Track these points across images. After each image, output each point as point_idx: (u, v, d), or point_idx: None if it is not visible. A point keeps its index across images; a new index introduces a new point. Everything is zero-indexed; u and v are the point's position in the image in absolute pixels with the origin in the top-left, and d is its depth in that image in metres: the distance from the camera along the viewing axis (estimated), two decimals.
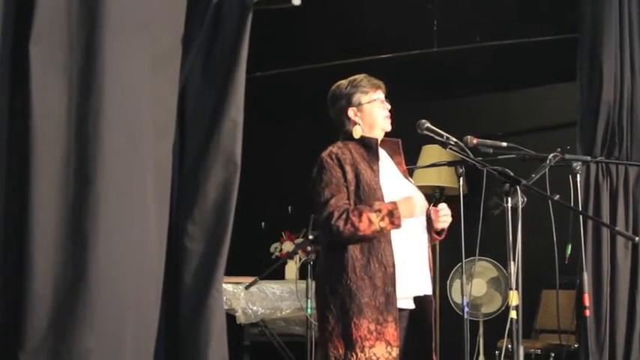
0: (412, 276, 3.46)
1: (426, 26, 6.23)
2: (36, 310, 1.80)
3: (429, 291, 3.55)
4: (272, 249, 6.76)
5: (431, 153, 5.99)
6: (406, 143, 3.71)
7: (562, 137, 5.47)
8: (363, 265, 3.36)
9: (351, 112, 3.59)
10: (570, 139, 5.05)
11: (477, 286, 5.62)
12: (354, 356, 3.32)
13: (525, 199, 3.42)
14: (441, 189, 6.35)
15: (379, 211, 3.35)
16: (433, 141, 3.76)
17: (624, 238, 4.58)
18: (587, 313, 4.35)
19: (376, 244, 3.38)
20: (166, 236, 2.10)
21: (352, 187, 3.42)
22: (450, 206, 3.64)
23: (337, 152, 3.48)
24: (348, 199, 3.41)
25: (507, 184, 3.44)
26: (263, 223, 7.42)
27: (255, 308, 5.53)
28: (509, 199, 3.42)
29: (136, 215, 1.97)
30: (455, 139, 3.65)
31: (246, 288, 5.32)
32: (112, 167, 1.91)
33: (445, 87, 6.73)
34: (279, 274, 6.16)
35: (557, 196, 3.79)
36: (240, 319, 5.52)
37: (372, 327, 3.33)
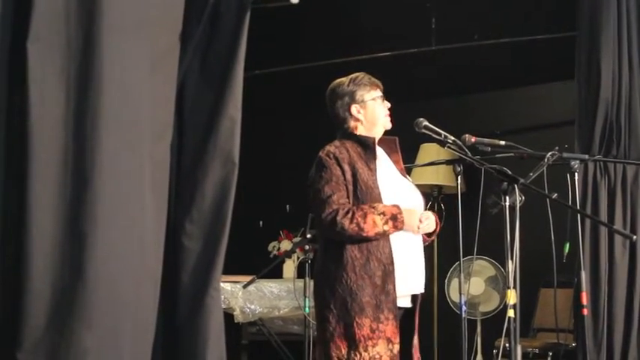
0: (410, 274, 3.46)
1: (424, 24, 6.22)
2: (34, 309, 1.80)
3: (423, 289, 3.56)
4: (270, 248, 6.76)
5: (429, 151, 5.99)
6: (404, 141, 3.71)
7: (560, 136, 5.46)
8: (363, 264, 3.36)
9: (354, 108, 3.59)
10: (568, 138, 5.04)
11: (474, 284, 5.62)
12: (358, 356, 3.31)
13: (523, 197, 3.42)
14: (439, 187, 6.34)
15: (383, 214, 3.36)
16: (431, 139, 3.75)
17: (622, 237, 4.58)
18: (585, 311, 4.35)
19: (374, 242, 3.38)
20: (164, 235, 2.10)
21: (350, 187, 3.42)
22: (447, 205, 3.64)
23: (335, 151, 3.48)
24: (347, 197, 3.41)
25: (505, 183, 3.44)
26: (261, 222, 7.42)
27: (253, 307, 5.53)
28: (507, 197, 3.42)
29: (134, 214, 1.97)
30: (453, 138, 3.65)
31: (244, 287, 5.31)
32: (110, 166, 1.91)
33: (443, 85, 6.73)
34: (277, 273, 6.16)
35: (555, 194, 3.79)
36: (238, 317, 5.52)
37: (374, 326, 3.33)
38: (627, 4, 4.82)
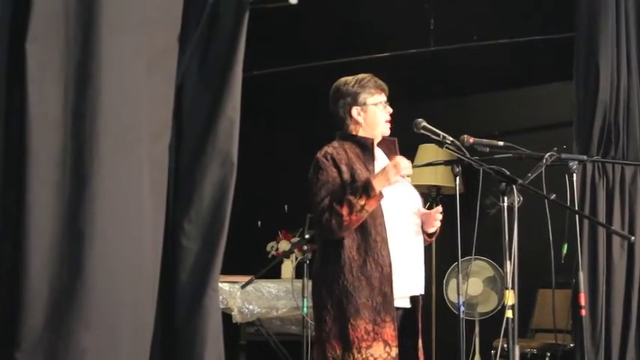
0: (409, 275, 3.46)
1: (422, 25, 6.22)
2: (32, 309, 1.80)
3: (422, 290, 3.56)
4: (268, 248, 6.76)
5: (427, 152, 5.99)
6: (402, 142, 3.71)
7: (558, 136, 5.47)
8: (360, 266, 3.36)
9: (355, 110, 3.58)
10: (567, 139, 5.05)
11: (473, 285, 5.62)
12: (351, 357, 3.32)
13: (521, 198, 3.42)
14: (438, 188, 6.35)
15: (356, 190, 3.34)
16: (429, 140, 3.75)
17: (620, 238, 4.58)
18: (583, 312, 4.35)
19: (372, 244, 3.38)
20: (162, 235, 2.10)
21: (348, 188, 3.41)
22: (446, 205, 3.64)
23: (332, 152, 3.48)
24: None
25: (503, 184, 3.44)
26: (259, 222, 7.42)
27: (251, 307, 5.52)
28: (506, 198, 3.42)
29: (132, 214, 1.97)
30: (451, 138, 3.65)
31: (243, 287, 5.31)
32: (108, 166, 1.91)
33: (442, 86, 6.73)
34: (275, 273, 6.15)
35: (554, 195, 3.80)
36: (237, 318, 5.51)
37: (369, 327, 3.33)
38: (626, 5, 4.82)
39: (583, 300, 4.30)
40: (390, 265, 3.37)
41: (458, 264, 3.97)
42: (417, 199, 3.60)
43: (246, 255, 6.03)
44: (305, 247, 4.76)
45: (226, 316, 5.30)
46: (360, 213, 3.32)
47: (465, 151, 3.64)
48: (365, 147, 3.54)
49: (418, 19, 6.23)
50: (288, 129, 7.28)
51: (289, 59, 6.68)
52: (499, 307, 5.52)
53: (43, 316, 1.81)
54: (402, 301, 3.48)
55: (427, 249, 3.61)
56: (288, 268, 6.32)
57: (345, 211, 3.31)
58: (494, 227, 3.49)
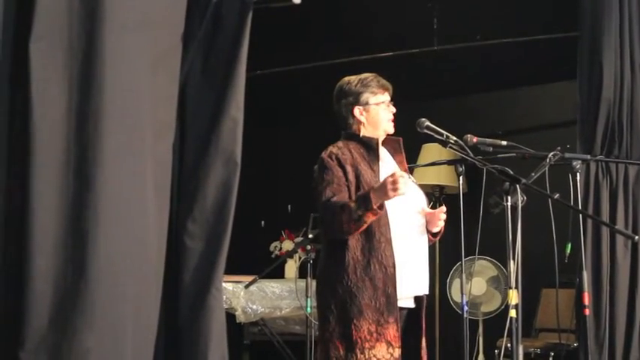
0: (413, 276, 3.46)
1: (426, 24, 6.22)
2: (36, 308, 1.81)
3: (427, 290, 3.55)
4: (272, 248, 6.76)
5: (431, 151, 5.99)
6: (406, 142, 3.71)
7: (562, 136, 5.46)
8: (364, 267, 3.36)
9: (357, 110, 3.58)
10: (570, 138, 5.04)
11: (476, 285, 5.62)
12: (354, 357, 3.31)
13: (525, 197, 3.42)
14: (441, 188, 6.35)
15: (357, 199, 3.34)
16: (433, 139, 3.75)
17: (624, 237, 4.58)
18: (587, 312, 4.35)
19: (376, 244, 3.37)
20: (166, 235, 2.10)
21: (353, 188, 3.41)
22: (449, 205, 3.64)
23: (337, 152, 3.48)
24: (350, 198, 3.40)
25: (507, 183, 3.44)
26: (263, 222, 7.42)
27: (254, 307, 5.52)
28: (509, 197, 3.42)
29: (136, 214, 1.97)
30: (455, 138, 3.65)
31: (246, 287, 5.31)
32: (112, 166, 1.91)
33: (445, 85, 6.73)
34: (278, 273, 6.16)
35: (557, 194, 3.79)
36: (240, 317, 5.52)
37: (373, 328, 3.33)
38: (629, 4, 4.81)
39: (587, 299, 4.30)
40: (393, 266, 3.37)
41: (461, 264, 3.97)
42: (421, 199, 3.59)
43: (250, 255, 6.04)
44: (308, 247, 4.77)
45: (230, 316, 5.30)
46: (359, 222, 3.30)
47: (469, 150, 3.64)
48: (370, 147, 3.53)
49: (421, 19, 6.23)
50: (292, 129, 7.28)
51: (293, 59, 6.68)
52: (503, 307, 5.51)
53: (47, 315, 1.82)
54: (406, 301, 3.48)
55: (431, 249, 3.61)
56: (291, 267, 6.32)
57: (345, 218, 3.31)
58: (498, 227, 3.49)
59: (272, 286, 5.65)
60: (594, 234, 4.70)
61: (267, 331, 5.82)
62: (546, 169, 4.10)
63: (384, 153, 3.61)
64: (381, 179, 3.44)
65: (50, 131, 1.84)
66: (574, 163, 4.39)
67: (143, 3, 2.01)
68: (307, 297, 4.71)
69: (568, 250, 4.28)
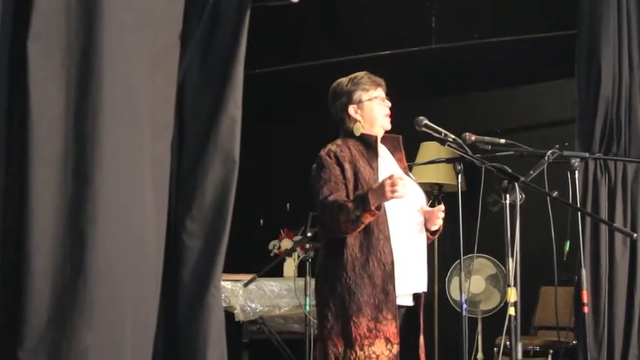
0: (411, 273, 3.46)
1: (424, 23, 6.22)
2: (35, 307, 1.81)
3: (425, 288, 3.55)
4: (270, 246, 6.76)
5: (429, 150, 5.99)
6: (404, 140, 3.71)
7: (560, 134, 5.47)
8: (362, 264, 3.36)
9: (351, 109, 3.59)
10: (569, 136, 5.05)
11: (475, 283, 5.62)
12: (354, 354, 3.32)
13: (524, 195, 3.42)
14: (440, 186, 6.35)
15: (355, 199, 3.34)
16: (431, 138, 3.75)
17: (622, 235, 4.58)
18: (586, 309, 4.35)
19: (375, 242, 3.38)
20: (165, 233, 2.10)
21: (351, 185, 3.41)
22: (448, 203, 3.64)
23: (335, 150, 3.48)
24: (347, 196, 3.40)
25: (506, 181, 3.44)
26: (261, 220, 7.42)
27: (253, 306, 5.53)
28: (508, 195, 3.42)
29: (135, 212, 1.97)
30: (453, 136, 3.65)
31: (245, 285, 5.31)
32: (111, 165, 1.91)
33: (443, 84, 6.73)
34: (277, 272, 6.16)
35: (556, 192, 3.80)
36: (239, 316, 5.52)
37: (372, 325, 3.33)
38: (627, 2, 4.81)
39: (585, 297, 4.30)
40: (392, 263, 3.37)
41: (460, 262, 3.98)
42: (420, 197, 3.59)
43: (249, 253, 6.03)
44: (307, 245, 4.77)
45: (229, 315, 5.30)
46: (356, 223, 3.30)
47: (467, 148, 3.64)
48: (368, 144, 3.53)
49: (420, 17, 6.23)
50: (291, 127, 7.28)
51: (291, 57, 6.68)
52: (501, 305, 5.51)
53: (46, 314, 1.82)
54: (404, 298, 3.48)
55: (430, 247, 3.61)
56: (290, 266, 6.32)
57: (342, 217, 3.31)
58: (497, 225, 3.48)
59: (271, 285, 5.66)
60: (593, 232, 4.70)
61: (265, 330, 5.82)
62: (545, 166, 4.10)
63: (383, 150, 3.61)
64: (380, 177, 3.44)
65: (48, 130, 1.84)
66: (572, 161, 4.39)
67: (141, 2, 2.01)
68: (306, 295, 4.71)
69: (567, 248, 4.28)
